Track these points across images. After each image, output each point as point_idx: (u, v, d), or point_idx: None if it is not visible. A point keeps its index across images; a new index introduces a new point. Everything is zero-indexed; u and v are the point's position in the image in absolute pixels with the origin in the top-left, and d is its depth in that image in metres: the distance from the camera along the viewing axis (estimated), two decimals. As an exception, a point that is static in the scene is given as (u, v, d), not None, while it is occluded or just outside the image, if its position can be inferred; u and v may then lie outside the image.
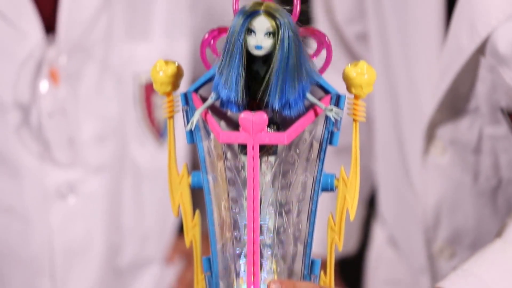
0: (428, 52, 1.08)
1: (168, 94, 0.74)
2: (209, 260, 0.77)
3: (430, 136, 1.09)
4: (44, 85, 1.18)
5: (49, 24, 1.18)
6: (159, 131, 1.28)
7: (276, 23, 0.69)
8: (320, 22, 1.27)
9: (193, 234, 0.77)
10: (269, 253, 0.75)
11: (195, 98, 0.73)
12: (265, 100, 0.71)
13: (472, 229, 1.11)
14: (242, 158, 0.73)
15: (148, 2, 1.23)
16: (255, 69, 0.71)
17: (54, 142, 1.21)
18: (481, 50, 0.98)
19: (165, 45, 1.24)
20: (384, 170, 1.25)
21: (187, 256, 1.35)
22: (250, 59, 0.70)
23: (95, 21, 1.19)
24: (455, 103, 1.05)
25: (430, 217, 1.13)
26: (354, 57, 1.26)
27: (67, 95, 1.20)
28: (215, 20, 0.75)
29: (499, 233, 0.91)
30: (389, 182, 1.24)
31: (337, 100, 0.73)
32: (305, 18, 0.72)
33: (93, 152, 1.24)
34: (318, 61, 0.74)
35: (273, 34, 0.69)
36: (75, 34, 1.18)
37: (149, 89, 1.25)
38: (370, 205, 1.37)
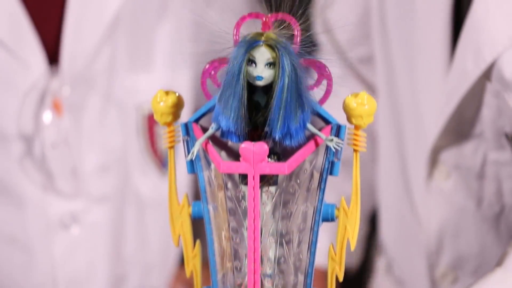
0: (433, 76, 1.08)
1: (169, 124, 0.74)
2: (210, 290, 0.76)
3: (434, 160, 1.09)
4: (47, 116, 1.19)
5: (53, 55, 1.18)
6: (162, 161, 1.28)
7: (276, 54, 0.69)
8: (324, 45, 1.27)
9: (193, 264, 0.77)
10: (270, 283, 0.75)
11: (196, 128, 0.74)
12: (266, 130, 0.71)
13: (475, 254, 1.11)
14: (243, 188, 0.73)
15: (150, 33, 1.23)
16: (256, 99, 0.71)
17: (57, 173, 1.21)
18: (486, 75, 0.98)
19: (167, 76, 1.25)
20: (386, 193, 1.25)
21: (189, 286, 1.34)
22: (251, 89, 0.70)
23: (98, 52, 1.20)
24: (459, 127, 1.05)
25: (433, 242, 1.13)
26: (358, 79, 1.26)
27: (70, 126, 1.20)
28: (217, 51, 0.75)
29: (500, 262, 0.90)
30: (391, 205, 1.24)
31: (338, 130, 0.73)
32: (308, 43, 0.72)
33: (96, 182, 1.24)
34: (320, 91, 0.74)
35: (274, 64, 0.69)
36: (78, 65, 1.19)
37: (151, 120, 1.26)
38: (371, 223, 1.36)
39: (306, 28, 0.71)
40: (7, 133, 1.20)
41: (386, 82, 1.17)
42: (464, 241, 1.11)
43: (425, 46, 1.08)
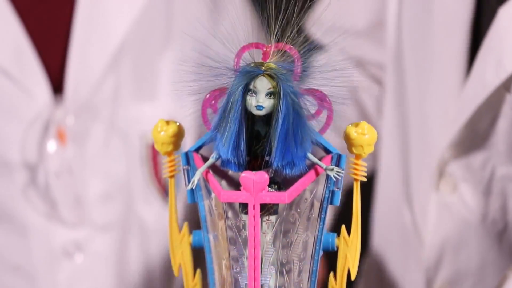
0: (446, 85, 1.07)
1: (169, 153, 0.75)
2: (210, 319, 0.76)
3: (441, 172, 1.09)
4: (51, 145, 1.19)
5: (57, 84, 1.19)
6: (165, 190, 1.28)
7: (277, 84, 0.70)
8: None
9: (194, 293, 0.77)
10: (271, 312, 0.75)
11: (196, 158, 0.74)
12: (266, 160, 0.71)
13: (474, 271, 1.10)
14: (243, 217, 0.73)
15: (154, 62, 1.24)
16: (256, 129, 0.71)
17: (61, 201, 1.21)
18: (505, 85, 0.98)
19: (171, 105, 1.25)
20: (385, 201, 1.23)
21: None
22: (251, 118, 0.71)
23: (103, 81, 1.20)
24: (471, 139, 1.05)
25: (433, 255, 1.12)
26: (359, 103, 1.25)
27: (74, 155, 1.21)
28: (218, 80, 0.76)
29: (499, 286, 0.90)
30: (389, 214, 1.22)
31: (338, 160, 0.73)
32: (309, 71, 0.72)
33: (99, 211, 1.24)
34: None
35: (274, 94, 0.70)
36: (82, 94, 1.19)
37: (155, 148, 1.26)
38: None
39: (308, 55, 0.72)
40: (11, 161, 1.20)
41: (396, 89, 1.16)
42: (465, 257, 1.10)
43: (440, 55, 1.08)
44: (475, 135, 1.04)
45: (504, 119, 1.00)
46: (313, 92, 0.73)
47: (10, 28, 1.16)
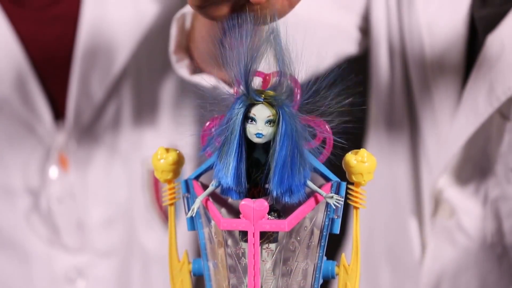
0: (440, 113, 1.08)
1: (169, 181, 0.75)
2: None
3: (437, 198, 1.09)
4: (53, 171, 1.20)
5: (59, 110, 1.19)
6: (167, 216, 1.28)
7: (276, 111, 0.70)
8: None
9: (193, 321, 0.77)
10: None
11: (196, 185, 0.74)
12: (266, 187, 0.71)
13: None
14: (243, 245, 0.73)
15: (156, 89, 1.24)
16: (255, 157, 0.72)
17: (63, 227, 1.21)
18: (501, 112, 0.98)
19: (172, 131, 1.25)
20: (381, 230, 1.23)
21: None
22: (250, 146, 0.71)
23: (104, 108, 1.20)
24: (465, 165, 1.05)
25: (432, 281, 1.11)
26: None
27: (76, 180, 1.21)
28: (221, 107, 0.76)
29: None
30: (386, 240, 1.22)
31: (338, 188, 0.73)
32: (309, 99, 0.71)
33: (101, 236, 1.24)
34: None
35: (273, 122, 0.70)
36: (84, 120, 1.19)
37: None
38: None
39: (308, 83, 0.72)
40: (13, 187, 1.20)
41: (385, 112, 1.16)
42: (464, 282, 1.09)
43: (436, 87, 1.08)
44: (468, 161, 1.04)
45: (497, 143, 1.00)
46: (312, 120, 0.73)
47: (13, 55, 1.16)
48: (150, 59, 1.23)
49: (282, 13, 0.73)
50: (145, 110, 1.24)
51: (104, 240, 1.25)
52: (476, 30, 1.03)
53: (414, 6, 1.07)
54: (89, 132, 1.21)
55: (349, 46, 1.15)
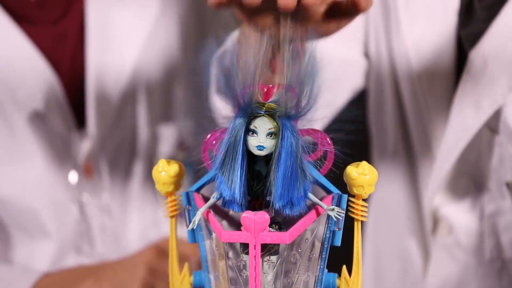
0: (432, 130, 1.08)
1: (170, 194, 0.75)
2: None
3: (435, 216, 1.09)
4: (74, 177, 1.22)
5: (80, 119, 1.21)
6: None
7: (278, 124, 0.70)
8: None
9: (194, 334, 0.77)
10: None
11: (197, 198, 0.74)
12: (267, 200, 0.71)
13: None
14: (244, 257, 0.73)
15: (168, 88, 1.26)
16: (257, 169, 0.72)
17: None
18: (489, 126, 0.98)
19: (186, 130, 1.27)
20: (381, 247, 1.23)
21: None
22: (252, 158, 0.71)
23: (121, 112, 1.23)
24: (459, 182, 1.05)
25: None
26: None
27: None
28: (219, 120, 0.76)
29: None
30: (387, 260, 1.22)
31: (339, 200, 0.73)
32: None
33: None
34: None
35: (275, 134, 0.70)
36: (105, 126, 1.22)
37: None
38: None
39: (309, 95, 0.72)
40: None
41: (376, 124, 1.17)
42: None
43: (426, 104, 1.08)
44: (462, 177, 1.04)
45: (490, 157, 1.00)
46: (313, 133, 0.73)
47: (40, 71, 1.19)
48: (156, 61, 1.25)
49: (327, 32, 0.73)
50: (160, 111, 1.27)
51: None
52: (463, 48, 1.03)
53: (400, 27, 1.08)
54: (111, 137, 1.23)
55: (362, 78, 1.16)
